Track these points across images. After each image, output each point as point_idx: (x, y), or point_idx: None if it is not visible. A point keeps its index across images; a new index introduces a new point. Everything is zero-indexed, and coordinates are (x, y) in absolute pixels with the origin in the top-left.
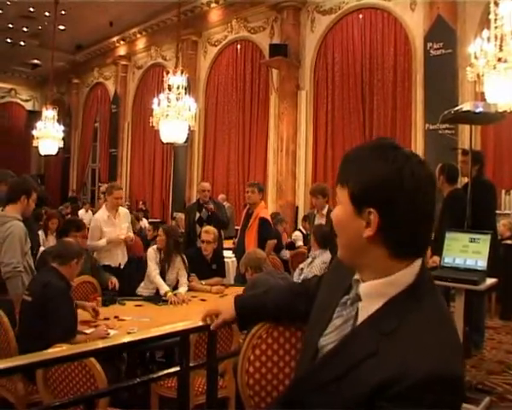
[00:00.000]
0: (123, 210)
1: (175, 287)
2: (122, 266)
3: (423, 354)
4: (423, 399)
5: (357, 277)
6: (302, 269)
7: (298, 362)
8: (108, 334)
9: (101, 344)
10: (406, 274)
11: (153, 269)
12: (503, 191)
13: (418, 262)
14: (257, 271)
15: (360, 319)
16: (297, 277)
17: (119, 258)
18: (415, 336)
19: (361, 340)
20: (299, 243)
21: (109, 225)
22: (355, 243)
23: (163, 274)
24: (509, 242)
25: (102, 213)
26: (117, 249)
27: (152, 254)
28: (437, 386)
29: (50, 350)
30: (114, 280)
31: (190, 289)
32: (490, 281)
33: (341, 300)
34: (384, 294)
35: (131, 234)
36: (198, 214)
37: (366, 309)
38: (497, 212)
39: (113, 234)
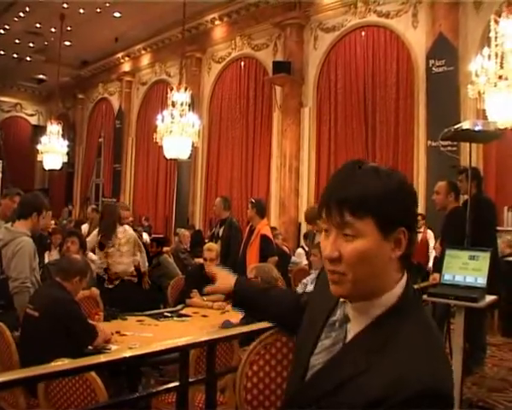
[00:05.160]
0: (127, 232)
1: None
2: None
3: (415, 368)
4: None
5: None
6: (306, 284)
7: (288, 381)
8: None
9: (102, 358)
10: (394, 290)
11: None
12: (506, 208)
13: (405, 277)
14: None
15: (349, 339)
16: (300, 291)
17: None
18: (404, 351)
19: (350, 358)
20: (303, 260)
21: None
22: (380, 268)
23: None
24: (510, 259)
25: None
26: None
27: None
28: (430, 398)
29: (52, 364)
30: None
31: (192, 305)
32: (490, 298)
33: (329, 320)
34: (372, 312)
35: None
36: (214, 230)
37: (354, 330)
38: (500, 229)
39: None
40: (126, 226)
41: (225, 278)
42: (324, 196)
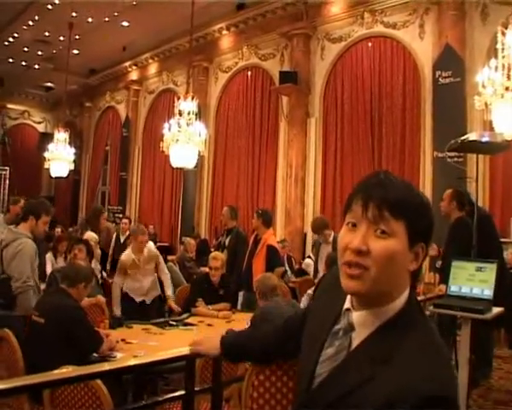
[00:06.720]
0: (150, 252)
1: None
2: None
3: (420, 377)
4: None
5: (347, 306)
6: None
7: (295, 392)
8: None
9: (107, 366)
10: (399, 299)
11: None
12: None
13: (408, 288)
14: (263, 297)
15: (354, 347)
16: (305, 302)
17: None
18: (410, 360)
19: (356, 365)
20: (311, 270)
21: (132, 268)
22: (398, 275)
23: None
24: None
25: (128, 255)
26: (142, 283)
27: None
28: (435, 406)
29: (57, 371)
30: None
31: (197, 313)
32: (496, 310)
33: (333, 329)
34: (378, 319)
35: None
36: (220, 239)
37: (359, 337)
38: (506, 240)
39: (134, 276)
40: (149, 244)
41: (211, 341)
42: (360, 193)
